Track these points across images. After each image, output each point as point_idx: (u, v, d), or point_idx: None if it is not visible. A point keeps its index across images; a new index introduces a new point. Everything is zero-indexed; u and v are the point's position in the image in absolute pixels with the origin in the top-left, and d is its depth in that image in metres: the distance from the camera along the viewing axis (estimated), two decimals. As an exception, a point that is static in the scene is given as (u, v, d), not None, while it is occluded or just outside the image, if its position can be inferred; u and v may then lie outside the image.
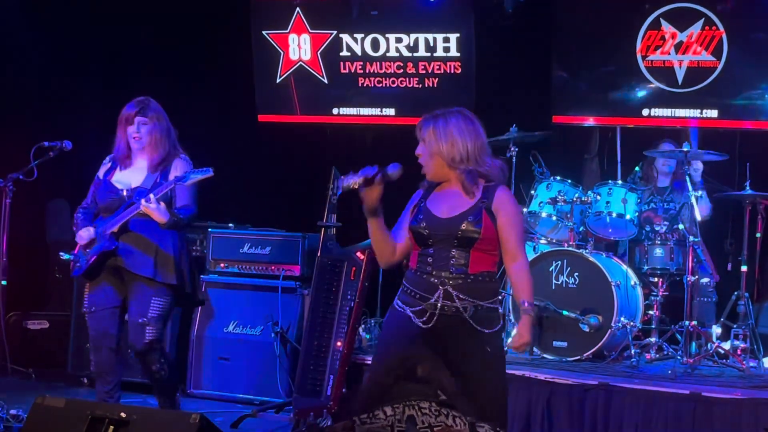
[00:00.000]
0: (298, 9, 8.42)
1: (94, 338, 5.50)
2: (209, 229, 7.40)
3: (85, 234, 5.40)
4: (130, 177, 5.45)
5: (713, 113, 7.49)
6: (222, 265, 7.25)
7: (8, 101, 8.24)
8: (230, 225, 7.70)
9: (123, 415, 4.19)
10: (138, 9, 8.79)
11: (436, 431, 2.62)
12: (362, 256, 6.19)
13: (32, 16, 8.16)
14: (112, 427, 4.12)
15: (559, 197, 6.80)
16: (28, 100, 8.27)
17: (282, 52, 8.50)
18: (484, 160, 4.19)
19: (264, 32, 8.52)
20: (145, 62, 8.81)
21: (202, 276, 7.22)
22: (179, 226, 5.40)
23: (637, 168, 7.13)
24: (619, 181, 6.90)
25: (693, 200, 6.46)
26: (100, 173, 5.53)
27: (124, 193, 5.37)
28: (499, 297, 4.38)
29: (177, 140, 5.52)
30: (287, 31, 8.48)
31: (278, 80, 8.55)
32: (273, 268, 7.06)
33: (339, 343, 6.12)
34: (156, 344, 5.43)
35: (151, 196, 5.19)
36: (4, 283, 5.49)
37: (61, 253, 5.51)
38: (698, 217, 6.49)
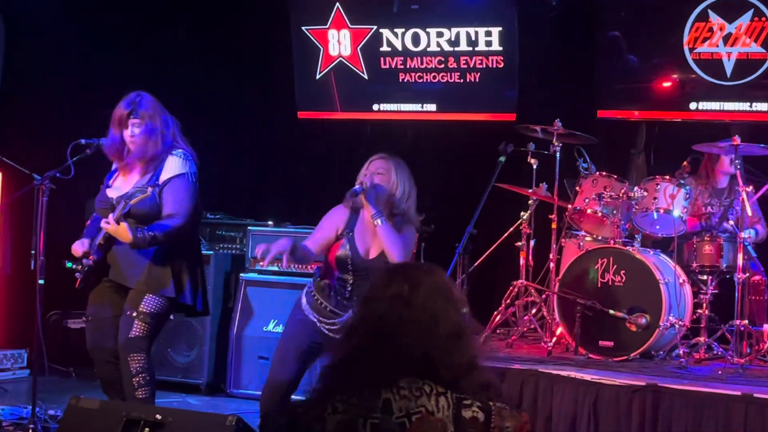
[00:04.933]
0: (337, 4, 8.34)
1: (90, 350, 5.19)
2: (248, 227, 7.33)
3: (78, 247, 5.09)
4: (125, 182, 5.15)
5: (763, 106, 7.32)
6: (261, 263, 7.15)
7: (45, 97, 8.22)
8: (269, 222, 7.63)
9: (158, 417, 4.15)
10: (176, 4, 8.76)
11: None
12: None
13: (71, 8, 8.14)
14: (147, 429, 4.09)
15: (605, 193, 6.63)
16: (66, 95, 8.25)
17: (321, 48, 8.42)
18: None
19: (303, 28, 8.44)
20: (184, 58, 8.79)
21: (241, 274, 7.15)
22: (155, 243, 4.97)
23: (685, 163, 6.94)
24: (667, 177, 6.72)
25: (744, 195, 6.28)
26: (107, 178, 5.28)
27: (114, 203, 5.04)
28: None
29: (178, 131, 5.18)
30: (327, 26, 8.39)
31: (318, 76, 8.47)
32: (313, 266, 6.95)
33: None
34: (140, 342, 5.01)
35: (110, 216, 4.85)
36: (41, 282, 5.37)
37: (67, 261, 5.15)
38: (749, 212, 6.31)
